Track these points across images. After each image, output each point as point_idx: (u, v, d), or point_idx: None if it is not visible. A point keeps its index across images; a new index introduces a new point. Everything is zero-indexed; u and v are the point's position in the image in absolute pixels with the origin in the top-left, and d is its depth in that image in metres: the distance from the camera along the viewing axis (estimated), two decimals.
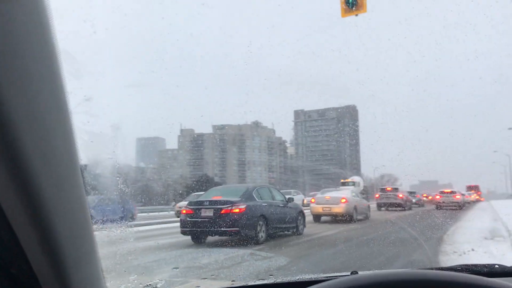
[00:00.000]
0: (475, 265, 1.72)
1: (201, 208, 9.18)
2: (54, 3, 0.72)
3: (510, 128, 36.77)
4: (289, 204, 10.74)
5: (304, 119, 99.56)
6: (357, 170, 78.01)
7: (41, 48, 0.68)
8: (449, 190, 25.82)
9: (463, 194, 27.02)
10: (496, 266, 1.65)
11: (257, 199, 9.66)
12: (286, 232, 10.43)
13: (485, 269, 1.62)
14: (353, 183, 33.13)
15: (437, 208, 24.79)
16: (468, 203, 27.53)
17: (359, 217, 15.57)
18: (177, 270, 5.76)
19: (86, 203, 0.89)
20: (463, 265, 1.72)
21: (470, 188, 33.05)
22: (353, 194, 16.26)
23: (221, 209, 8.93)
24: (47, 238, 0.76)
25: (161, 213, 27.36)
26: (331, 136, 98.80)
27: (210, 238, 9.59)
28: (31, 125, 0.66)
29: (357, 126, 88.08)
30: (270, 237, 9.61)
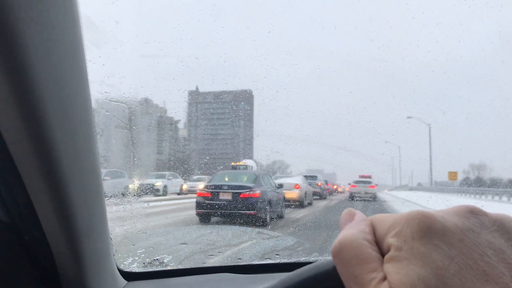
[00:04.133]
0: None
1: (219, 192, 10.47)
2: None
3: (409, 117, 39.11)
4: (278, 190, 12.51)
5: (198, 101, 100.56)
6: (250, 155, 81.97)
7: (65, 14, 0.71)
8: (364, 180, 26.33)
9: (376, 184, 27.87)
10: None
11: (263, 185, 11.26)
12: (276, 215, 12.19)
13: None
14: (245, 166, 34.23)
15: (351, 198, 24.85)
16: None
17: (306, 202, 17.70)
18: (185, 245, 5.86)
19: (100, 173, 0.94)
20: None
21: (362, 177, 34.36)
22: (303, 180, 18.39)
23: (240, 193, 10.34)
24: (61, 205, 0.80)
25: None
26: (226, 119, 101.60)
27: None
28: (52, 90, 0.69)
29: (252, 111, 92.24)
30: (271, 220, 11.30)
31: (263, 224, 10.43)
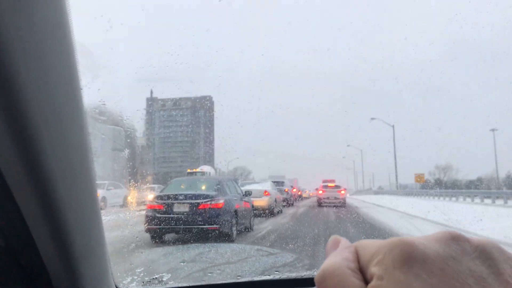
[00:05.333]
0: None
1: (173, 203, 8.45)
2: None
3: (373, 118, 38.42)
4: (245, 198, 10.62)
5: (157, 108, 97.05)
6: (211, 162, 79.66)
7: (59, 42, 0.71)
8: (333, 184, 24.94)
9: (345, 189, 26.33)
10: None
11: (228, 193, 9.32)
12: (243, 227, 10.28)
13: None
14: (202, 173, 31.89)
15: (319, 204, 23.75)
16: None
17: (276, 210, 16.10)
18: (184, 264, 5.80)
19: (96, 196, 0.91)
20: None
21: (327, 181, 32.83)
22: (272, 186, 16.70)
23: (199, 203, 8.37)
24: (57, 229, 0.78)
25: None
26: (186, 127, 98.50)
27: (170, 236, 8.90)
28: (47, 118, 0.69)
29: (213, 117, 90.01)
30: (238, 234, 9.38)
31: (228, 240, 8.51)
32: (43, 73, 0.66)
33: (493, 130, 46.41)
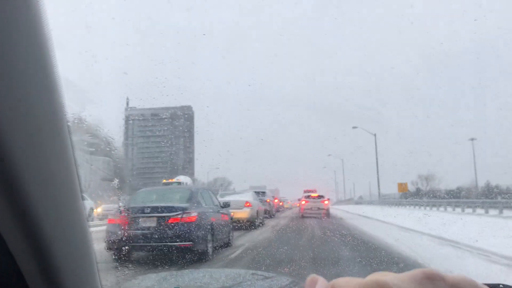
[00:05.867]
0: None
1: (138, 217, 7.29)
2: (56, 34, 0.73)
3: (354, 127, 37.79)
4: (223, 210, 9.51)
5: (135, 118, 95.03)
6: (191, 173, 78.07)
7: (42, 76, 0.69)
8: (316, 195, 24.02)
9: (329, 199, 25.41)
10: (501, 286, 1.60)
11: (203, 204, 8.21)
12: (220, 243, 9.14)
13: None
14: (179, 183, 30.33)
15: (302, 215, 22.92)
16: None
17: (258, 222, 15.07)
18: None
19: (87, 228, 0.88)
20: None
21: (308, 191, 31.79)
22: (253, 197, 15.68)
23: (168, 217, 7.23)
24: (47, 266, 0.74)
25: None
26: (165, 137, 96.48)
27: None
28: (33, 153, 0.66)
29: (193, 127, 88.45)
30: (214, 251, 8.24)
31: (202, 258, 7.39)
32: (27, 109, 0.64)
33: (472, 139, 46.33)
